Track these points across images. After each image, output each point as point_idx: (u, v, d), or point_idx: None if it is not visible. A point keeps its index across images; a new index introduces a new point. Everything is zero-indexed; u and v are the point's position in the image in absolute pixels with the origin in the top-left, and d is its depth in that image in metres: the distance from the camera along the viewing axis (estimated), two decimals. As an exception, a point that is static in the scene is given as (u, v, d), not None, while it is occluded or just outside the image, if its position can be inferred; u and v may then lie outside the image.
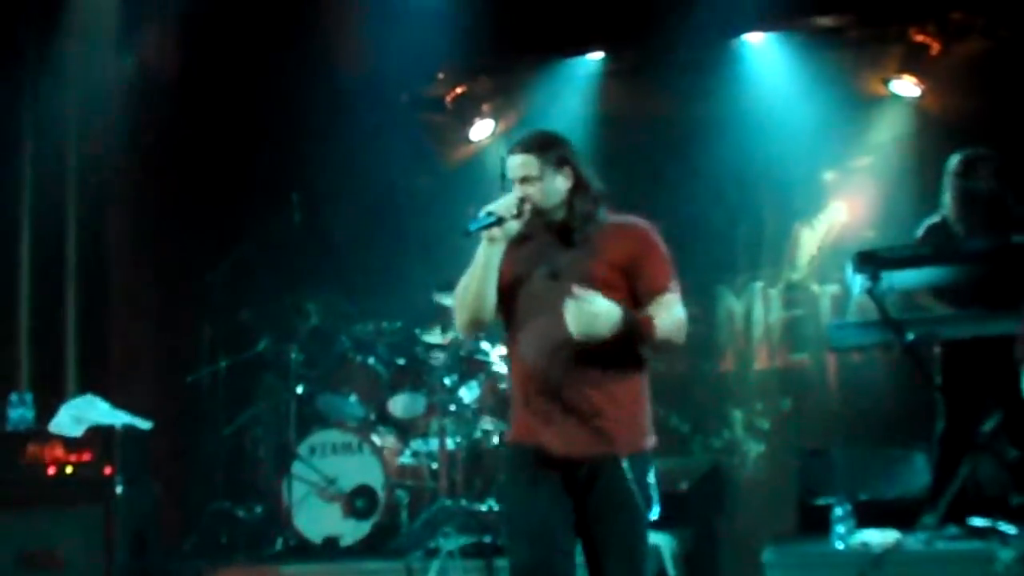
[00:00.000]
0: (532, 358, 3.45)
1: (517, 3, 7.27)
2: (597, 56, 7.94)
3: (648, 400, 3.55)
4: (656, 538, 5.64)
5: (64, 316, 6.64)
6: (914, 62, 7.39)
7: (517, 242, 3.53)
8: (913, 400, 6.13)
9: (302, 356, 6.46)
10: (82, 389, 6.05)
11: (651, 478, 3.49)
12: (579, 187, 3.53)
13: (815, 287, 7.71)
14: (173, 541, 6.28)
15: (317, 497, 5.99)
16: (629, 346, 3.39)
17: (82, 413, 5.50)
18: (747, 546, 6.06)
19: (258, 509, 6.36)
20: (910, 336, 5.05)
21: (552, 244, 3.54)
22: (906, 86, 7.41)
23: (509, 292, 3.53)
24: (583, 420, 3.39)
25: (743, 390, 7.78)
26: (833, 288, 7.59)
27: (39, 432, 5.51)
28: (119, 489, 5.37)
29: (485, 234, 3.43)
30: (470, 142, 8.30)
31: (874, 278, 5.01)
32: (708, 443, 7.74)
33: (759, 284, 7.84)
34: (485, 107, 8.34)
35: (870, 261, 5.07)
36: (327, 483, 5.97)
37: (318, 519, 5.95)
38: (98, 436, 5.44)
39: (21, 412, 5.61)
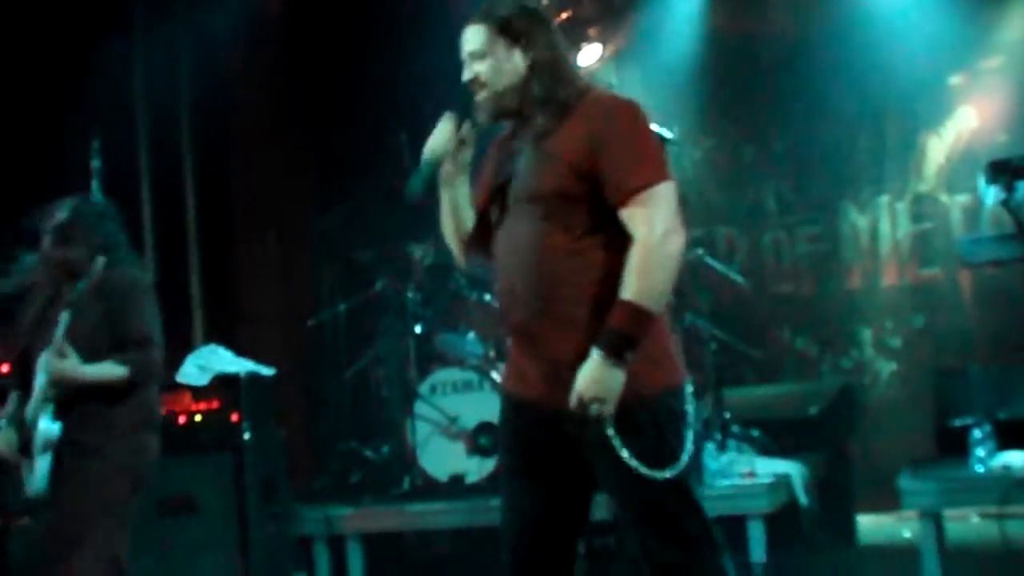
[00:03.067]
0: (499, 289, 2.93)
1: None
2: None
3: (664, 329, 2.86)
4: (786, 466, 5.53)
5: (187, 267, 6.77)
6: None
7: (499, 141, 3.03)
8: (1054, 313, 5.86)
9: (419, 295, 6.45)
10: (207, 339, 6.17)
11: (670, 424, 2.80)
12: (540, 64, 2.89)
13: (945, 198, 7.39)
14: (303, 483, 6.39)
15: (441, 436, 6.00)
16: (596, 268, 2.79)
17: (207, 362, 5.59)
18: (882, 471, 5.91)
19: (384, 449, 6.42)
20: (1050, 248, 4.79)
21: (524, 141, 2.93)
22: (1038, -20, 7.00)
23: (486, 204, 3.01)
24: (558, 363, 2.79)
25: (872, 308, 7.55)
26: (964, 199, 7.28)
27: (168, 382, 5.62)
28: (247, 435, 5.45)
29: (438, 175, 2.95)
30: (578, 67, 8.11)
31: (1009, 188, 4.74)
32: (837, 364, 7.55)
33: (885, 197, 7.56)
34: (591, 31, 8.14)
35: (1004, 170, 4.79)
36: (450, 421, 5.98)
37: (443, 457, 5.97)
38: (223, 384, 5.52)
39: (150, 364, 5.72)
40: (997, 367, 6.16)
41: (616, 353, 2.69)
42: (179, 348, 6.02)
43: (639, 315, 2.71)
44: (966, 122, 7.33)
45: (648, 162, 2.79)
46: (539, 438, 2.89)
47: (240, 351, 5.86)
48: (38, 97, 6.40)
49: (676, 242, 2.76)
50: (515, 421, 2.95)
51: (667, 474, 2.75)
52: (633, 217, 2.75)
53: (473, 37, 2.93)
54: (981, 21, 7.20)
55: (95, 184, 6.09)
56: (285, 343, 6.76)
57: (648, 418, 2.77)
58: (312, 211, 6.92)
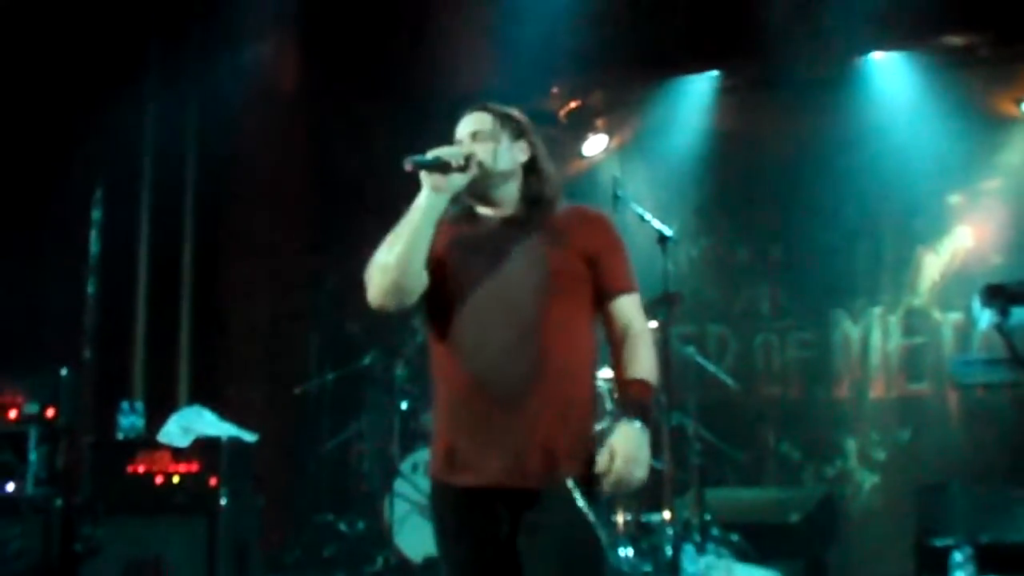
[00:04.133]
0: (477, 365, 2.91)
1: (634, 19, 7.16)
2: (714, 73, 7.79)
3: (594, 413, 3.07)
4: (763, 574, 5.47)
5: (178, 326, 6.75)
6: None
7: (456, 220, 3.06)
8: (1041, 439, 5.86)
9: (407, 372, 6.44)
10: (192, 399, 6.13)
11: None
12: (536, 166, 3.11)
13: (937, 314, 7.43)
14: (275, 552, 6.31)
15: (419, 516, 5.95)
16: (586, 341, 3.00)
17: (190, 424, 5.55)
18: (860, 585, 5.86)
19: (360, 524, 6.36)
20: (1040, 376, 4.80)
21: (500, 227, 3.05)
22: (1040, 107, 7.11)
23: (441, 279, 2.98)
24: (536, 439, 2.86)
25: (858, 418, 7.54)
26: (956, 316, 7.31)
27: (148, 441, 5.58)
28: (223, 501, 5.40)
29: (428, 179, 2.93)
30: (583, 157, 8.20)
31: (1003, 313, 4.76)
32: (820, 472, 7.51)
33: (878, 309, 7.59)
34: (599, 122, 8.24)
35: (999, 295, 4.81)
36: (429, 502, 5.92)
37: (419, 538, 5.90)
38: (205, 447, 5.47)
39: (132, 420, 5.69)
40: (981, 488, 6.12)
41: (646, 423, 2.91)
42: (163, 407, 5.99)
43: (652, 390, 3.00)
44: (962, 241, 7.39)
45: (632, 273, 3.12)
46: (492, 532, 2.89)
47: (224, 413, 5.82)
48: (44, 143, 6.42)
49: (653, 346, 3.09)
50: (469, 515, 2.92)
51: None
52: (628, 306, 3.07)
53: (479, 121, 3.11)
54: (983, 143, 7.30)
55: (94, 234, 6.10)
56: (269, 408, 6.72)
57: (596, 490, 2.92)
58: (307, 279, 6.92)
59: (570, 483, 2.86)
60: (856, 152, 7.36)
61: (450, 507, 2.95)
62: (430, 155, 2.95)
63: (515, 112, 3.17)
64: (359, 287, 7.29)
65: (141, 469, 5.44)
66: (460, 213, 3.09)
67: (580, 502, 2.85)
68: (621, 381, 3.03)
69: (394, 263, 2.90)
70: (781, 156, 7.66)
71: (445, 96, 7.44)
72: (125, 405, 5.70)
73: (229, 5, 6.74)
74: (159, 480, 5.45)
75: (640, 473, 2.85)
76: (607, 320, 3.06)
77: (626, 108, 8.19)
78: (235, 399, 6.45)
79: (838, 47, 7.05)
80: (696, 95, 7.84)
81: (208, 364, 6.79)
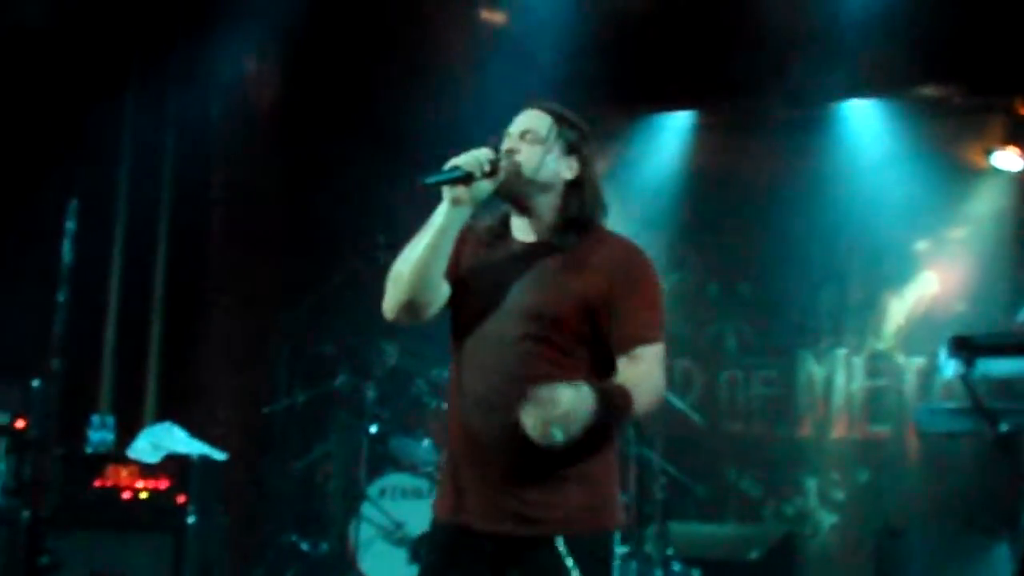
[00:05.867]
0: (468, 404, 2.79)
1: (610, 56, 7.24)
2: (691, 111, 7.89)
3: (615, 463, 2.88)
4: (724, 611, 5.53)
5: (148, 342, 6.73)
6: (1019, 134, 7.23)
7: (488, 234, 2.90)
8: (998, 487, 5.94)
9: (377, 394, 6.46)
10: (162, 415, 6.11)
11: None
12: (581, 185, 2.89)
13: (901, 358, 7.53)
14: (241, 573, 6.29)
15: (384, 540, 5.97)
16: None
17: (160, 440, 5.54)
18: (818, 625, 5.92)
19: (324, 546, 6.35)
20: (1003, 427, 4.88)
21: (525, 254, 2.85)
22: (1009, 158, 7.24)
23: (460, 301, 2.85)
24: (531, 489, 2.73)
25: (819, 458, 7.62)
26: (920, 360, 7.41)
27: (117, 456, 5.57)
28: (191, 519, 5.40)
29: (448, 192, 2.75)
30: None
31: (969, 364, 4.84)
32: (780, 509, 7.59)
33: (842, 351, 7.68)
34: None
35: (965, 346, 4.89)
36: (395, 527, 5.95)
37: (383, 563, 5.92)
38: (174, 464, 5.48)
39: (102, 435, 5.68)
40: (938, 533, 6.23)
41: (603, 402, 2.61)
42: (131, 422, 5.98)
43: (629, 403, 2.69)
44: (928, 287, 7.51)
45: (660, 324, 2.88)
46: (474, 572, 2.80)
47: (192, 430, 5.81)
48: (19, 153, 6.40)
49: (660, 399, 2.85)
50: (452, 553, 2.83)
51: None
52: (645, 356, 2.79)
53: (537, 121, 2.90)
54: (951, 192, 7.41)
55: (66, 245, 6.08)
56: (237, 427, 6.71)
57: (602, 553, 2.83)
58: (281, 298, 6.93)
59: (560, 546, 2.74)
60: (826, 195, 7.46)
61: (436, 542, 2.90)
62: (449, 166, 2.76)
63: (578, 121, 2.96)
64: (332, 308, 7.32)
65: (109, 484, 5.43)
66: (493, 224, 2.93)
67: (570, 567, 2.72)
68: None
69: (407, 278, 2.77)
70: (754, 195, 7.75)
71: (422, 124, 7.51)
72: (96, 419, 5.69)
73: (212, 26, 6.75)
74: (127, 495, 5.44)
75: (559, 434, 2.56)
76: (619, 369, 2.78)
77: (600, 143, 8.22)
78: (203, 417, 6.44)
79: (813, 92, 7.16)
80: (672, 132, 7.93)
81: (177, 380, 6.77)
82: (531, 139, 2.87)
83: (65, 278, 6.03)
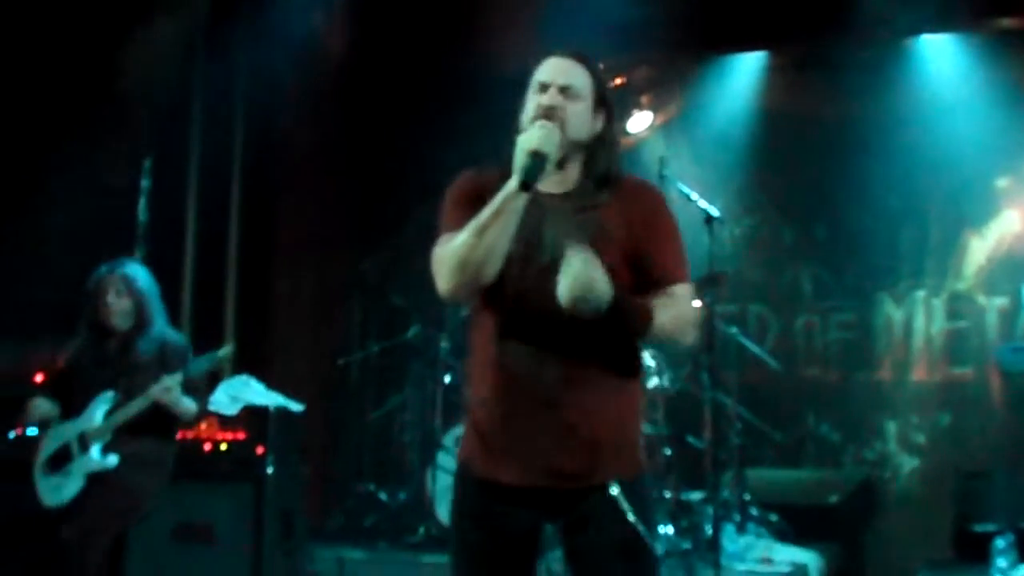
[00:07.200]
0: (510, 360, 2.71)
1: (676, -2, 7.13)
2: (761, 52, 7.74)
3: (641, 412, 2.93)
4: (804, 555, 5.50)
5: (225, 296, 6.82)
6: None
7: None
8: (1083, 426, 5.83)
9: (451, 345, 6.48)
10: (240, 368, 6.19)
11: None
12: (607, 139, 2.85)
13: (982, 299, 7.37)
14: (319, 521, 6.39)
15: (460, 488, 6.00)
16: (625, 339, 2.76)
17: (238, 392, 5.59)
18: (898, 568, 5.86)
19: (402, 495, 6.43)
20: (1089, 364, 4.78)
21: (557, 207, 2.78)
22: (1092, 91, 7.02)
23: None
24: (578, 438, 2.71)
25: (899, 402, 7.50)
26: (1002, 301, 7.26)
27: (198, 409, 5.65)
28: (270, 469, 5.48)
29: (523, 176, 2.65)
30: (627, 134, 8.17)
31: (1052, 300, 4.74)
32: (860, 454, 7.50)
33: (921, 292, 7.54)
34: (644, 99, 8.20)
35: (1048, 281, 4.80)
36: (470, 475, 5.98)
37: (460, 510, 5.95)
38: (252, 416, 5.55)
39: (181, 387, 5.76)
40: (1022, 474, 6.10)
41: (620, 303, 2.62)
42: (210, 375, 6.06)
43: (648, 317, 2.70)
44: (1009, 225, 7.33)
45: (686, 263, 2.86)
46: (514, 528, 2.77)
47: (269, 383, 5.88)
48: (90, 111, 6.49)
49: (693, 333, 2.82)
50: (492, 508, 2.77)
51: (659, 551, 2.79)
52: (675, 293, 2.79)
53: (577, 74, 2.81)
54: (1034, 128, 7.22)
55: (142, 203, 6.18)
56: (313, 378, 6.79)
57: (648, 495, 2.84)
58: (353, 251, 6.97)
59: (615, 491, 2.72)
60: (903, 134, 7.29)
61: (470, 495, 2.81)
62: (528, 156, 2.65)
63: (608, 77, 2.91)
64: (404, 260, 7.36)
65: (190, 436, 5.52)
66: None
67: (629, 515, 2.70)
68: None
69: (476, 262, 2.67)
70: (827, 137, 7.60)
71: (489, 73, 7.48)
72: (176, 373, 5.76)
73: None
74: (207, 447, 5.54)
75: (586, 292, 2.57)
76: None
77: (671, 85, 8.15)
78: (280, 369, 6.52)
79: (887, 28, 6.99)
80: (742, 74, 7.80)
81: (254, 334, 6.85)
82: (573, 95, 2.79)
83: (142, 236, 6.15)
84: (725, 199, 7.48)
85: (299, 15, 7.15)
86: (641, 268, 2.77)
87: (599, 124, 2.84)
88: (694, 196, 5.98)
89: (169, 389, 4.46)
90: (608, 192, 2.82)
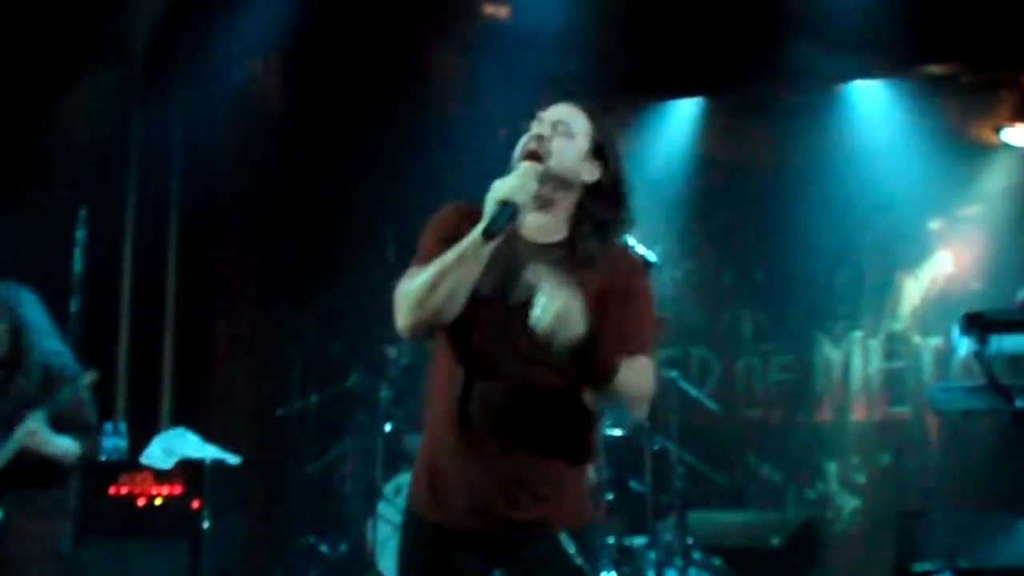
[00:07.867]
0: (476, 401, 2.69)
1: (620, 44, 7.21)
2: (698, 98, 7.84)
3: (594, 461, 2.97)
4: (746, 598, 5.50)
5: (163, 347, 6.75)
6: (1028, 110, 7.17)
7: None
8: (1020, 464, 5.89)
9: (391, 393, 6.44)
10: (175, 421, 6.13)
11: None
12: (603, 189, 2.80)
13: (917, 339, 7.48)
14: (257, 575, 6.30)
15: (402, 538, 5.94)
16: (584, 389, 2.71)
17: (173, 446, 5.55)
18: (840, 609, 5.87)
19: (343, 547, 6.35)
20: (1020, 403, 4.83)
21: (535, 255, 2.73)
22: (1019, 134, 7.18)
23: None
24: (530, 488, 2.69)
25: (839, 442, 7.57)
26: (936, 341, 7.36)
27: (131, 463, 5.57)
28: (206, 524, 5.39)
29: (490, 226, 2.61)
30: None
31: (982, 341, 4.80)
32: (802, 495, 7.54)
33: (858, 333, 7.63)
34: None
35: (978, 323, 4.85)
36: (412, 525, 5.93)
37: (402, 561, 5.89)
38: (188, 469, 5.48)
39: (115, 441, 5.69)
40: (960, 512, 6.16)
41: (592, 334, 2.54)
42: (146, 428, 5.99)
43: (612, 368, 2.63)
44: (942, 266, 7.45)
45: (654, 342, 2.82)
46: (466, 573, 2.74)
47: (206, 435, 5.81)
48: (25, 160, 6.42)
49: (646, 408, 2.78)
50: (439, 554, 2.74)
51: None
52: (640, 360, 2.73)
53: (575, 117, 2.82)
54: (962, 170, 7.35)
55: (78, 253, 6.10)
56: (252, 430, 6.72)
57: (593, 543, 2.81)
58: (290, 301, 6.93)
59: (565, 540, 2.71)
60: (837, 178, 7.41)
61: (419, 540, 2.79)
62: (498, 204, 2.61)
63: (609, 127, 2.87)
64: (343, 308, 7.31)
65: (123, 491, 5.43)
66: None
67: (578, 561, 2.69)
68: None
69: (434, 305, 2.63)
70: (764, 180, 7.71)
71: (429, 118, 7.51)
72: (108, 426, 5.68)
73: (214, 30, 6.76)
74: (141, 502, 5.45)
75: (564, 323, 2.49)
76: None
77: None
78: (218, 421, 6.45)
79: (818, 75, 7.11)
80: (681, 119, 7.89)
81: (191, 387, 6.78)
82: (563, 131, 2.79)
83: (77, 287, 6.07)
84: (666, 243, 7.56)
85: (236, 63, 7.15)
86: (610, 325, 2.68)
87: (594, 173, 2.80)
88: (632, 242, 6.01)
89: (34, 432, 3.99)
90: (594, 252, 2.76)
